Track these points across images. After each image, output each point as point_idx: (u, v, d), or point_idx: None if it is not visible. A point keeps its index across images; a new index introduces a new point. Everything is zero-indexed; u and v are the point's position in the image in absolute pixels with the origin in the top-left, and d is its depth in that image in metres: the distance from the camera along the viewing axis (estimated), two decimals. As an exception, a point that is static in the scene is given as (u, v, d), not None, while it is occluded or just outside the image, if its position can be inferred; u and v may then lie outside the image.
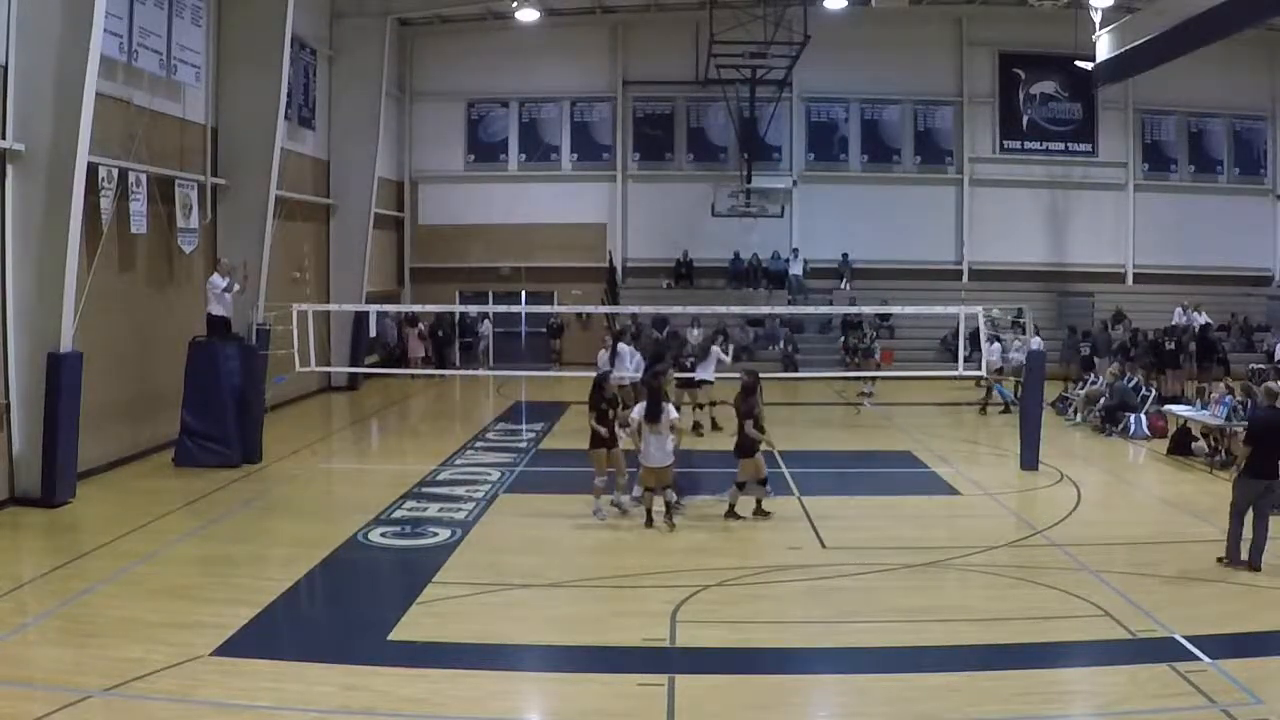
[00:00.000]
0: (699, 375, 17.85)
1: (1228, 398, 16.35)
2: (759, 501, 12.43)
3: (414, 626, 8.85)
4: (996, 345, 20.44)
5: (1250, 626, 8.83)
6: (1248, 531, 10.42)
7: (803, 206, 29.80)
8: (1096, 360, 22.71)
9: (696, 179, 29.88)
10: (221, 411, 15.33)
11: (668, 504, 12.01)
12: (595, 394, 12.71)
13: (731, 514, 12.34)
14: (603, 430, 12.39)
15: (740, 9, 25.23)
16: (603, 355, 17.60)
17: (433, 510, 12.96)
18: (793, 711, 7.52)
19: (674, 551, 11.09)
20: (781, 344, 27.50)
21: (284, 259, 21.01)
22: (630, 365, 17.15)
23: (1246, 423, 12.01)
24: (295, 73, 21.58)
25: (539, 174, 30.37)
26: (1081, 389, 20.96)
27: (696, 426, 17.77)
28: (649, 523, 11.89)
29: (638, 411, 12.02)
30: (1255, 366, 23.67)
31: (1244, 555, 10.40)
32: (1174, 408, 18.48)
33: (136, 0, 15.52)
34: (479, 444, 17.82)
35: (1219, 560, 10.50)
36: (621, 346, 17.66)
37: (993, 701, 7.37)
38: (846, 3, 26.70)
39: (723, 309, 25.31)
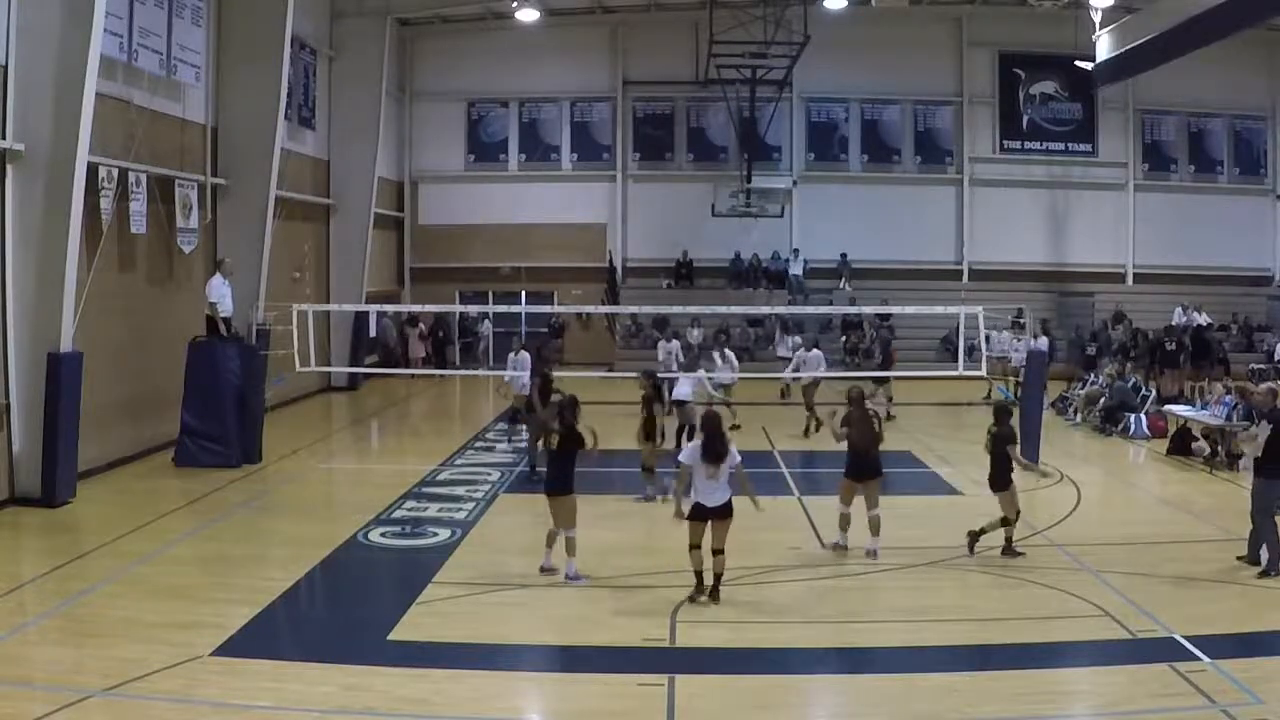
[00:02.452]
0: (676, 394, 16.65)
1: (1228, 398, 16.37)
2: (1008, 540, 10.89)
3: (414, 626, 8.86)
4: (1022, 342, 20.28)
5: (1250, 626, 8.84)
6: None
7: (803, 206, 29.78)
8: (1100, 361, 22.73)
9: (696, 179, 29.85)
10: (221, 411, 15.33)
11: (718, 576, 9.42)
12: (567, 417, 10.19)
13: (975, 539, 10.89)
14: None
15: (740, 9, 25.22)
16: (512, 359, 16.83)
17: (433, 510, 12.97)
18: (793, 711, 7.53)
19: (674, 551, 11.03)
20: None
21: (284, 259, 21.02)
22: (522, 372, 16.17)
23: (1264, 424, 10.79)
24: (295, 73, 21.58)
25: (539, 174, 30.37)
26: (1081, 389, 20.95)
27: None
28: (700, 593, 9.38)
29: (689, 454, 9.51)
30: (1255, 366, 23.71)
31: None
32: (1174, 408, 18.49)
33: (136, 0, 15.53)
34: (479, 444, 17.83)
35: (1239, 558, 10.44)
36: (524, 355, 16.91)
37: (993, 701, 7.38)
38: (846, 3, 26.69)
39: (723, 309, 25.38)
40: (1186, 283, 28.62)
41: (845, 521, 10.97)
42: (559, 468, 10.10)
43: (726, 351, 20.16)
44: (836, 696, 7.81)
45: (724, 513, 9.31)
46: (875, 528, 10.81)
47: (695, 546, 9.38)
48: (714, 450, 9.30)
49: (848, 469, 11.09)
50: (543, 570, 10.09)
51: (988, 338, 19.47)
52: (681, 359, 20.54)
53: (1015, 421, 11.78)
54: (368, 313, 23.76)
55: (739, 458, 9.48)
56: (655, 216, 30.14)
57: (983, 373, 18.43)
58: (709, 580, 9.35)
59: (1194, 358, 22.55)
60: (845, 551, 10.86)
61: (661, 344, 21.67)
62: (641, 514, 13.04)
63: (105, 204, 14.53)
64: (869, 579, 10.23)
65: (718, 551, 9.33)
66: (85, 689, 7.33)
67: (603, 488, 13.67)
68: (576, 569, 9.99)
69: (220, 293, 15.74)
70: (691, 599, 9.33)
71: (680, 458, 9.59)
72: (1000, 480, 10.85)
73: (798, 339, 22.93)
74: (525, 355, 16.96)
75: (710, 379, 17.61)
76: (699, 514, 9.35)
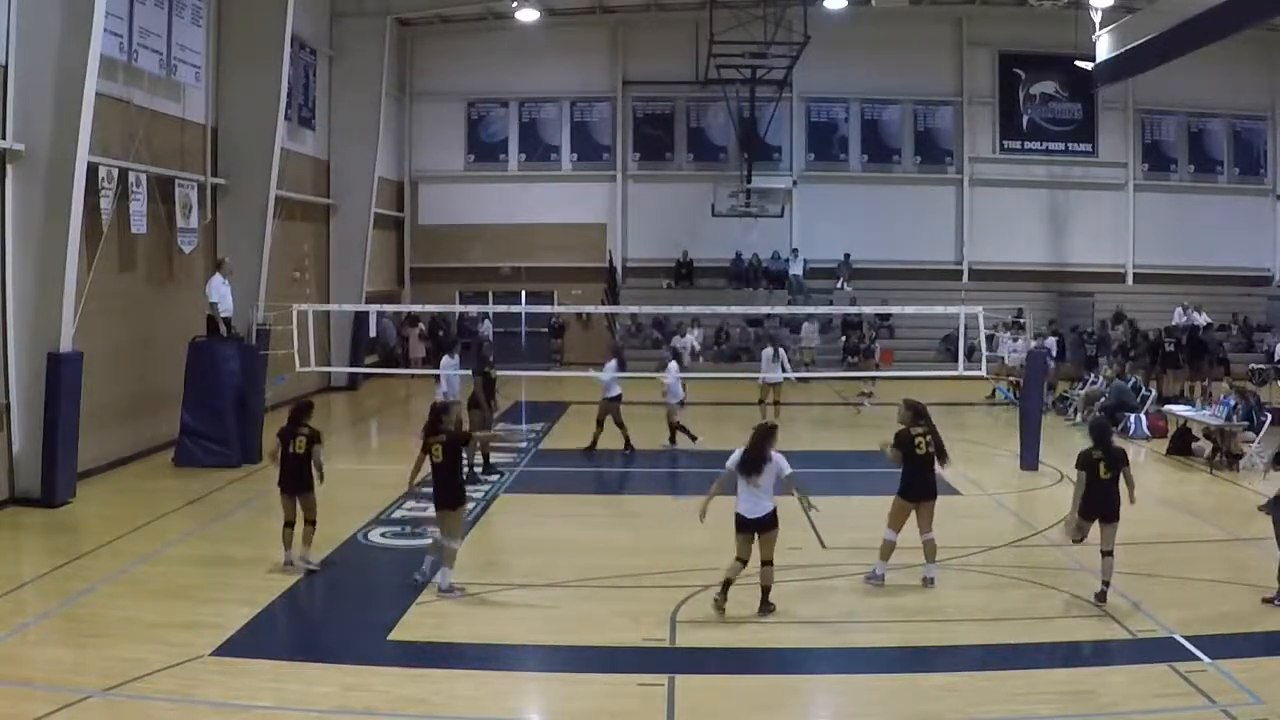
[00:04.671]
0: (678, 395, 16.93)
1: (1227, 398, 16.39)
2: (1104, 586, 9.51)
3: (414, 626, 8.87)
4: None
5: (1250, 626, 8.84)
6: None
7: (803, 206, 29.80)
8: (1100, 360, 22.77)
9: (696, 179, 29.87)
10: (221, 411, 15.34)
11: (765, 588, 9.12)
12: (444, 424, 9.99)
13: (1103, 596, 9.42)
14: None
15: (740, 9, 25.23)
16: (447, 360, 16.54)
17: (433, 510, 12.92)
18: (793, 711, 7.53)
19: (674, 551, 11.07)
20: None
21: (284, 259, 21.02)
22: (453, 384, 15.94)
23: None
24: (295, 73, 21.59)
25: (539, 174, 30.39)
26: (1081, 389, 20.96)
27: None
28: (723, 598, 9.07)
29: (734, 460, 9.13)
30: (1255, 366, 23.72)
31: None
32: (1174, 408, 18.49)
33: (136, 0, 15.53)
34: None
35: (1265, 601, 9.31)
36: (445, 359, 16.55)
37: (993, 701, 7.38)
38: (846, 3, 26.71)
39: (723, 309, 25.40)
40: (1186, 283, 28.64)
41: (888, 550, 9.98)
42: (448, 477, 9.84)
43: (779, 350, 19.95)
44: (836, 696, 7.82)
45: (768, 524, 9.00)
46: (931, 553, 9.98)
47: (742, 560, 9.06)
48: (751, 461, 8.99)
49: (902, 488, 10.04)
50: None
51: (990, 338, 19.52)
52: (697, 347, 20.56)
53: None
54: (368, 313, 23.77)
55: (789, 468, 9.12)
56: (655, 216, 30.16)
57: (983, 372, 18.45)
58: (735, 592, 8.97)
59: (1190, 359, 22.57)
60: (882, 584, 9.89)
61: (676, 340, 21.45)
62: (641, 514, 13.05)
63: (105, 204, 14.54)
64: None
65: (766, 562, 9.06)
66: (85, 689, 7.33)
67: (603, 488, 13.72)
68: (452, 581, 9.66)
69: (220, 292, 15.76)
70: (715, 603, 9.04)
71: (727, 462, 9.15)
72: (1116, 509, 9.49)
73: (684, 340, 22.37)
74: (455, 359, 16.60)
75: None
76: (742, 525, 9.03)
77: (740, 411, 19.61)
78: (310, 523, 10.33)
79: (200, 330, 15.81)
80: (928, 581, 9.93)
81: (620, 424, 16.58)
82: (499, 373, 16.08)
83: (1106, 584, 9.40)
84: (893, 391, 23.32)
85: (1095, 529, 9.53)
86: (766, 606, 9.07)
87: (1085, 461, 9.53)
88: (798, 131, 30.22)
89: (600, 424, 16.61)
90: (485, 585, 9.96)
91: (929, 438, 9.97)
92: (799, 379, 21.86)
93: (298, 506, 10.31)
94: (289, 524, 10.34)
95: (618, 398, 16.54)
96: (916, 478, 9.95)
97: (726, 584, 9.06)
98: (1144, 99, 29.65)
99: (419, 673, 7.86)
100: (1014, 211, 29.85)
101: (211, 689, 7.42)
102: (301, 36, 21.87)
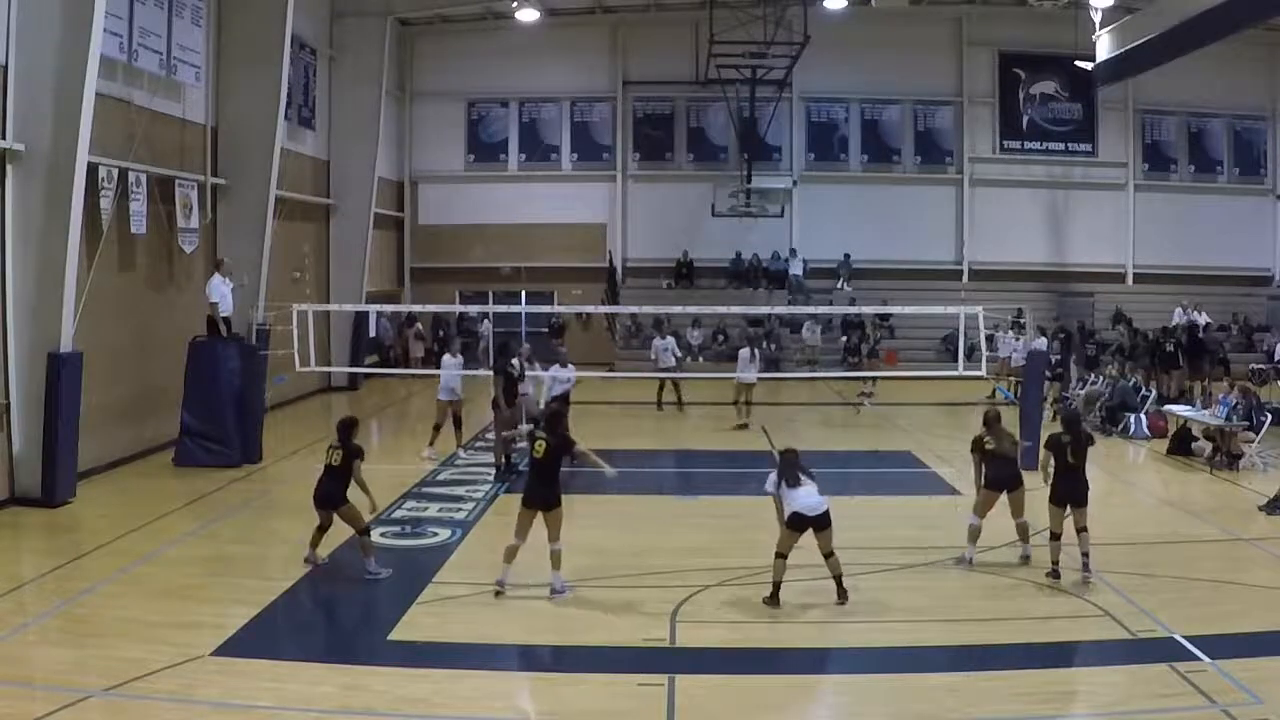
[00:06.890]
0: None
1: (1226, 398, 16.38)
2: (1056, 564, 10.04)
3: (414, 626, 8.87)
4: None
5: (1250, 626, 8.84)
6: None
7: (803, 206, 29.79)
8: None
9: (696, 179, 29.86)
10: (221, 411, 15.33)
11: (838, 578, 9.47)
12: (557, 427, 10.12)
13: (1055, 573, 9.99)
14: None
15: (740, 9, 25.23)
16: (448, 359, 16.88)
17: (433, 510, 12.98)
18: (793, 711, 7.54)
19: (674, 551, 11.09)
20: (765, 344, 27.45)
21: (284, 259, 21.02)
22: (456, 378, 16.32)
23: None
24: (295, 73, 21.58)
25: (539, 174, 30.39)
26: (1082, 389, 20.95)
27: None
28: (775, 601, 9.35)
29: (772, 484, 9.52)
30: (1255, 366, 23.72)
31: None
32: (1174, 408, 18.49)
33: (136, 0, 15.53)
34: (479, 444, 17.80)
35: None
36: (447, 358, 16.92)
37: (993, 701, 7.38)
38: (846, 3, 26.70)
39: (723, 309, 25.40)
40: (1186, 283, 28.64)
41: (974, 534, 10.65)
42: (547, 478, 9.65)
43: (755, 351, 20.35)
44: (836, 696, 7.82)
45: (825, 521, 9.33)
46: (1022, 534, 10.68)
47: (782, 555, 9.37)
48: (790, 472, 9.48)
49: (989, 481, 10.59)
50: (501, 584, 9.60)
51: (990, 338, 19.49)
52: (678, 353, 21.08)
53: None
54: (367, 313, 23.76)
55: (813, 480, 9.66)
56: (655, 216, 30.16)
57: (983, 373, 18.43)
58: (737, 591, 9.41)
59: (1190, 359, 22.56)
60: (971, 566, 10.51)
61: (656, 341, 21.93)
62: (641, 514, 13.05)
63: (105, 204, 14.54)
64: (869, 579, 10.20)
65: (829, 555, 9.40)
66: (85, 689, 7.34)
67: (602, 488, 13.66)
68: (564, 581, 9.68)
69: (220, 292, 15.76)
70: (766, 602, 9.34)
71: (767, 486, 9.56)
72: (1084, 494, 10.00)
73: (665, 342, 21.80)
74: (458, 358, 16.87)
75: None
76: (798, 524, 9.32)
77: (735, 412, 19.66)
78: (361, 532, 10.33)
79: (200, 330, 15.81)
80: (1023, 560, 10.61)
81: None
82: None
83: (1086, 554, 9.91)
84: (893, 392, 23.45)
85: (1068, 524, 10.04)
86: (843, 594, 9.41)
87: (1054, 444, 10.16)
88: (798, 131, 30.22)
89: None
90: (485, 585, 9.95)
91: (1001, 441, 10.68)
92: (800, 378, 21.96)
93: (333, 517, 10.36)
94: (321, 527, 10.46)
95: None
96: (990, 471, 10.61)
97: (777, 587, 9.34)
98: (1144, 99, 29.64)
99: (419, 673, 7.86)
100: (1014, 211, 29.83)
101: (211, 689, 7.42)
102: (301, 36, 21.87)
